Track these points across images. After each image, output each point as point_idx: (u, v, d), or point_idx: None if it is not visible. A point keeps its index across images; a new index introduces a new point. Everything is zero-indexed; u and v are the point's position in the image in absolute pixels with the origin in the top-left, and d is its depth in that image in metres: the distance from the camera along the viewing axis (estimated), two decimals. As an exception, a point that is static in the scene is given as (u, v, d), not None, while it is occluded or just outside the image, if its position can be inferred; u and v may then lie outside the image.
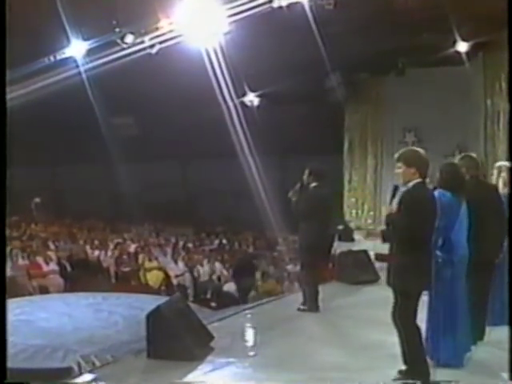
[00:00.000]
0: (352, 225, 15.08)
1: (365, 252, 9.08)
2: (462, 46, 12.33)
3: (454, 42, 12.12)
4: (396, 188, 4.25)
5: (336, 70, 14.15)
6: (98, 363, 5.30)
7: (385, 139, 15.34)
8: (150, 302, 9.87)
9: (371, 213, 15.32)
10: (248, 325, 6.26)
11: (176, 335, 5.00)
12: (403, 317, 4.19)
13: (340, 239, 12.66)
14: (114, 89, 13.86)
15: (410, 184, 4.20)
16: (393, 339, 4.33)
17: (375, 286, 7.92)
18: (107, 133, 15.51)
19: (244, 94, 15.74)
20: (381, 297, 6.79)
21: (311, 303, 6.55)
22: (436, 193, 4.56)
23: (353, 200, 15.62)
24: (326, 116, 15.82)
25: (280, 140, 16.75)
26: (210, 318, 6.50)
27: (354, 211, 15.62)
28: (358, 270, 8.32)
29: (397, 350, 4.25)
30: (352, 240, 13.22)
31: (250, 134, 14.74)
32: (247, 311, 7.04)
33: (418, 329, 4.24)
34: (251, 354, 5.28)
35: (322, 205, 6.49)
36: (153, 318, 5.12)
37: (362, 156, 15.55)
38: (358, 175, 15.56)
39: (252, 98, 16.19)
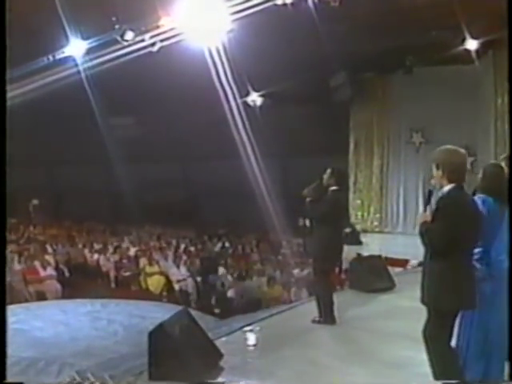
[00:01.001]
0: (358, 227, 14.86)
1: (379, 257, 8.74)
2: (472, 44, 12.07)
3: (464, 40, 11.88)
4: (431, 193, 3.87)
5: (341, 69, 14.10)
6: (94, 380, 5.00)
7: (391, 140, 15.11)
8: (151, 310, 9.82)
9: (377, 215, 15.09)
10: (260, 339, 5.80)
11: (181, 355, 4.56)
12: (436, 337, 3.70)
13: (346, 242, 12.37)
14: (114, 88, 13.73)
15: (445, 189, 3.77)
16: (421, 356, 3.91)
17: (391, 294, 7.58)
18: (107, 133, 15.40)
19: (247, 94, 15.59)
20: (399, 306, 6.82)
21: (327, 315, 6.13)
22: (476, 198, 4.08)
23: (358, 202, 15.36)
24: (331, 116, 15.62)
25: (283, 141, 16.53)
26: (215, 330, 6.08)
27: (359, 213, 15.36)
28: (372, 277, 7.77)
29: (426, 368, 3.80)
30: (359, 243, 13.00)
31: (253, 135, 14.57)
32: (257, 324, 6.49)
33: (453, 352, 3.76)
34: (265, 374, 4.81)
35: (341, 210, 6.24)
36: (155, 336, 4.65)
37: (368, 157, 15.28)
38: (363, 176, 15.31)
39: (255, 98, 16.03)
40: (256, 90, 15.69)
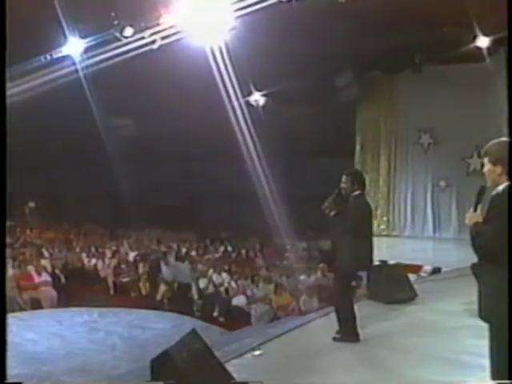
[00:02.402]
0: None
1: (398, 265, 8.43)
2: (483, 41, 11.76)
3: (475, 37, 11.65)
4: (482, 190, 3.42)
5: (347, 68, 13.79)
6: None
7: (398, 141, 14.75)
8: (152, 320, 9.59)
9: (384, 218, 14.78)
10: (276, 361, 5.29)
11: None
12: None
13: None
14: (113, 88, 13.52)
15: (500, 187, 3.31)
16: (462, 379, 3.58)
17: (413, 306, 7.21)
18: (106, 134, 15.12)
19: (249, 94, 15.30)
20: (425, 321, 6.48)
21: (350, 331, 5.67)
22: None
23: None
24: (336, 116, 15.35)
25: (287, 142, 16.43)
26: (225, 347, 5.68)
27: None
28: (392, 287, 7.40)
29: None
30: None
31: (255, 136, 14.39)
32: (271, 340, 6.05)
33: None
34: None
35: (371, 215, 5.87)
36: (159, 364, 4.05)
37: (375, 158, 14.93)
38: (369, 179, 14.47)
39: (258, 98, 15.73)
40: (259, 90, 15.40)
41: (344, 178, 5.76)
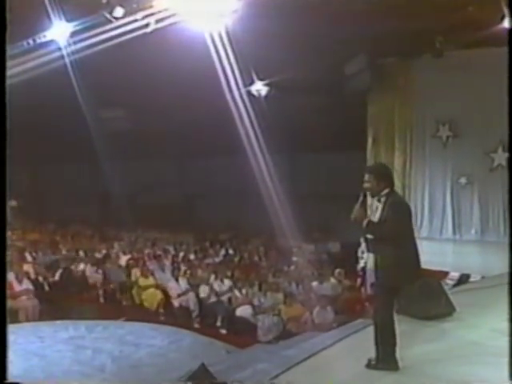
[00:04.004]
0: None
1: (435, 279, 7.79)
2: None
3: (503, 18, 11.00)
4: None
5: (359, 54, 13.26)
6: None
7: (415, 133, 14.08)
8: (147, 334, 8.85)
9: (399, 218, 14.25)
10: None
11: None
12: None
13: (369, 250, 11.62)
14: (102, 77, 13.17)
15: None
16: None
17: (452, 323, 6.63)
18: (95, 127, 14.89)
19: (251, 83, 14.86)
20: (469, 342, 5.86)
21: (388, 357, 5.10)
22: None
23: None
24: (346, 107, 14.83)
25: (292, 135, 15.98)
26: (236, 374, 5.06)
27: None
28: (428, 300, 6.88)
29: None
30: None
31: (258, 129, 14.18)
32: (292, 368, 5.39)
33: None
34: None
35: (410, 213, 5.26)
36: None
37: (388, 153, 14.22)
38: None
39: (260, 87, 15.26)
40: (261, 79, 14.93)
41: (366, 176, 5.19)
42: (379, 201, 5.11)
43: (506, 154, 12.42)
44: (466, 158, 13.37)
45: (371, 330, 5.30)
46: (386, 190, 5.09)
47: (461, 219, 13.56)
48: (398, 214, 5.01)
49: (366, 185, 5.15)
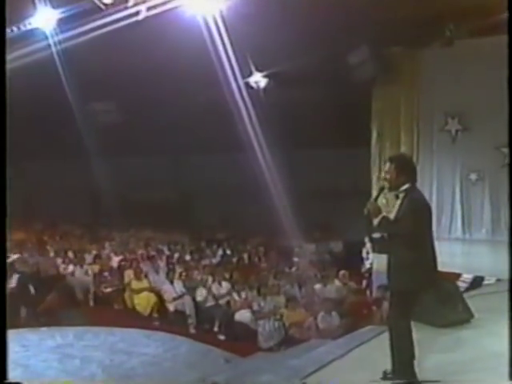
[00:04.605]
0: (383, 231, 13.79)
1: (451, 283, 7.52)
2: (528, 6, 10.96)
3: (519, 2, 10.77)
4: None
5: (363, 43, 13.01)
6: None
7: (422, 127, 13.79)
8: (140, 342, 8.62)
9: (406, 216, 14.03)
10: None
11: None
12: None
13: (374, 250, 11.42)
14: (91, 68, 12.97)
15: None
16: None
17: (471, 330, 6.35)
18: (84, 120, 14.82)
19: (249, 74, 14.65)
20: (493, 354, 5.47)
21: (406, 370, 4.84)
22: None
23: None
24: (349, 100, 14.42)
25: (292, 129, 15.58)
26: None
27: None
28: (443, 306, 6.64)
29: None
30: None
31: (256, 123, 14.11)
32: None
33: None
34: None
35: (430, 216, 4.98)
36: None
37: (394, 148, 13.85)
38: None
39: (258, 79, 15.03)
40: (260, 70, 14.71)
41: (387, 165, 4.98)
42: (397, 197, 4.85)
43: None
44: (476, 153, 13.08)
45: (383, 338, 5.12)
46: (406, 185, 4.81)
47: (471, 218, 13.31)
48: (416, 212, 4.73)
49: (386, 175, 4.94)
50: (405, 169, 4.87)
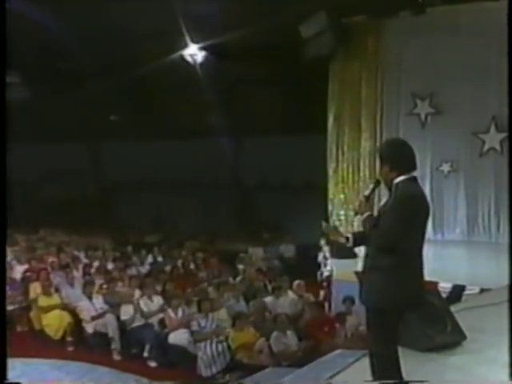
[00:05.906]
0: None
1: (437, 295, 6.77)
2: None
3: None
4: None
5: (319, 11, 12.27)
6: None
7: (386, 110, 13.29)
8: (48, 376, 7.76)
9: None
10: None
11: None
12: None
13: (336, 256, 10.58)
14: None
15: None
16: None
17: (464, 356, 5.76)
18: None
19: (184, 46, 14.05)
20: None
21: None
22: None
23: (341, 197, 13.54)
24: (302, 78, 14.43)
25: (235, 113, 15.23)
26: None
27: (341, 212, 13.47)
28: (428, 326, 6.07)
29: None
30: (354, 256, 11.04)
31: (192, 105, 13.91)
32: None
33: None
34: None
35: (425, 216, 4.47)
36: None
37: (354, 134, 13.51)
38: (347, 162, 13.56)
39: (194, 52, 14.46)
40: (195, 42, 14.04)
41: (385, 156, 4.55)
42: (391, 191, 4.44)
43: (501, 135, 11.79)
44: (449, 141, 12.65)
45: (359, 366, 5.01)
46: (402, 178, 4.36)
47: (443, 215, 12.87)
48: (398, 210, 4.29)
49: (385, 167, 4.47)
50: (395, 159, 4.44)
